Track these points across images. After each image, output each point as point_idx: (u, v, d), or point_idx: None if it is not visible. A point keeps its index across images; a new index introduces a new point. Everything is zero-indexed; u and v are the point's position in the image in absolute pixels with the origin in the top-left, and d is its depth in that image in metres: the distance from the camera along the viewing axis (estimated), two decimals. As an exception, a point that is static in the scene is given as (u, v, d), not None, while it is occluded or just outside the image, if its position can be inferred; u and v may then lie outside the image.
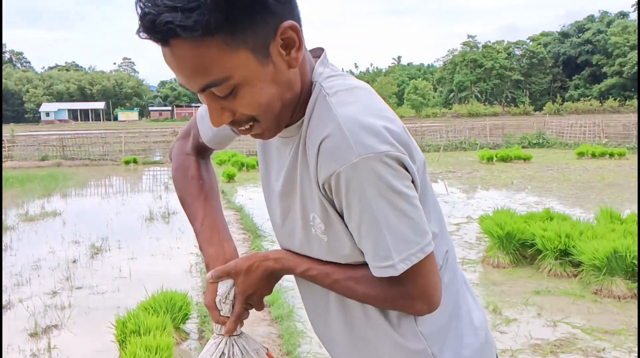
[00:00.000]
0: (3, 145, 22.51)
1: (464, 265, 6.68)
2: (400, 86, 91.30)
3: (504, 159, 19.95)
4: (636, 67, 74.19)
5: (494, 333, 4.64)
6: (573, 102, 72.46)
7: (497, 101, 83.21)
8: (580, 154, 20.88)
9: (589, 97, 73.32)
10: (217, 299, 1.13)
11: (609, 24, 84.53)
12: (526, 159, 19.93)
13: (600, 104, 67.85)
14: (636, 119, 26.74)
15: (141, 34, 0.87)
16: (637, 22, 75.79)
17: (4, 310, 5.41)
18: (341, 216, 1.03)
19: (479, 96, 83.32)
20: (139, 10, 0.86)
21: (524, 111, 68.76)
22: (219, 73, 0.90)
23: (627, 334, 4.49)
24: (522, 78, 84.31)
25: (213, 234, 1.18)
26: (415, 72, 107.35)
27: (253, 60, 0.91)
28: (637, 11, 66.99)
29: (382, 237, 0.98)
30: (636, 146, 23.39)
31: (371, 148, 0.93)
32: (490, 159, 19.97)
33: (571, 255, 5.96)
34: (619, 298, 5.32)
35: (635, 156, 21.08)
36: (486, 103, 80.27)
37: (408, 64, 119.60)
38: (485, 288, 5.87)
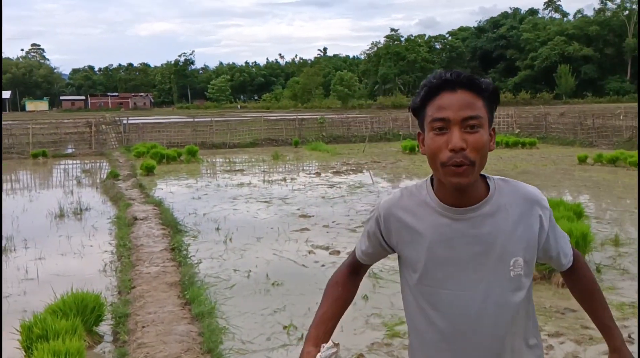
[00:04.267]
0: None
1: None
2: (327, 77, 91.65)
3: (426, 150, 20.39)
4: (546, 62, 78.19)
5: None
6: (490, 94, 75.55)
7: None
8: (496, 144, 21.63)
9: (504, 90, 76.38)
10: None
11: (521, 21, 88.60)
12: (447, 149, 20.47)
13: (514, 96, 70.95)
14: (546, 110, 28.13)
15: (436, 81, 1.40)
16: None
17: None
18: None
19: (403, 88, 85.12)
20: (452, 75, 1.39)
21: (444, 102, 70.93)
22: (479, 112, 1.38)
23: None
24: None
25: (322, 325, 1.59)
26: (341, 64, 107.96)
27: (488, 124, 1.40)
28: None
29: None
30: (545, 135, 24.64)
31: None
32: (412, 149, 20.35)
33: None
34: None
35: (545, 146, 22.22)
36: (409, 95, 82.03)
37: (334, 56, 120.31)
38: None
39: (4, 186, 14.45)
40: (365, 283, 5.57)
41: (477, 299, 1.43)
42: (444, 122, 1.36)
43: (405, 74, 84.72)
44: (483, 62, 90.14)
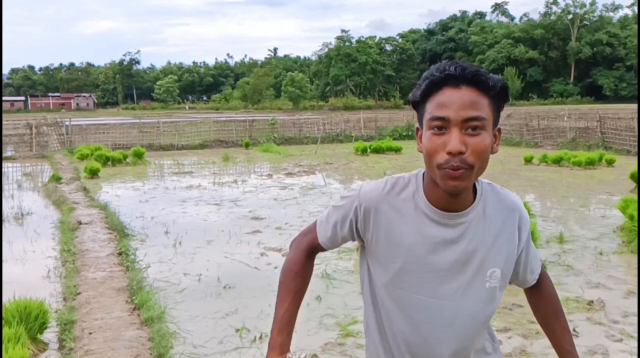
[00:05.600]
0: None
1: (340, 254, 6.72)
2: (277, 77, 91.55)
3: (377, 151, 20.66)
4: (493, 65, 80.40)
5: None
6: (439, 96, 76.96)
7: (371, 95, 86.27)
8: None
9: (453, 93, 78.03)
10: None
11: (469, 24, 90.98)
12: (397, 150, 20.81)
13: (463, 98, 72.73)
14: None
15: (439, 74, 1.28)
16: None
17: None
18: None
19: (354, 89, 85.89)
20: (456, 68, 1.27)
21: (395, 104, 72.02)
22: (483, 113, 1.26)
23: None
24: (394, 73, 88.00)
25: (285, 328, 1.48)
26: (291, 65, 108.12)
27: (492, 126, 1.29)
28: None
29: None
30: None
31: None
32: (364, 150, 20.56)
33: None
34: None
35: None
36: (360, 97, 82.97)
37: (285, 56, 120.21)
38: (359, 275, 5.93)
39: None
40: (318, 284, 5.59)
41: (449, 308, 1.37)
42: (444, 121, 1.24)
43: (356, 75, 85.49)
44: (432, 64, 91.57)
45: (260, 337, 4.35)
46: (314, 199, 10.74)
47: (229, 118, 30.50)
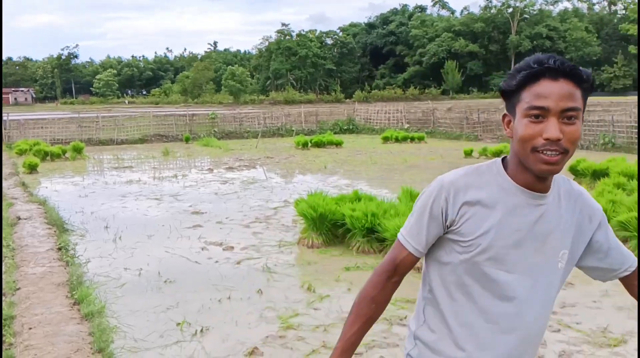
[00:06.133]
0: None
1: (281, 247, 6.89)
2: (218, 71, 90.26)
3: (318, 145, 20.86)
4: (433, 58, 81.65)
5: (309, 310, 4.88)
6: (380, 90, 77.65)
7: (312, 89, 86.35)
8: (386, 139, 22.57)
9: (394, 86, 79.15)
10: None
11: (410, 17, 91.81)
12: (338, 144, 21.08)
13: (403, 92, 73.72)
14: (433, 105, 29.68)
15: (538, 67, 1.35)
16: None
17: None
18: None
19: (295, 83, 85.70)
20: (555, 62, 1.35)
21: (336, 98, 72.43)
22: (578, 104, 1.36)
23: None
24: (334, 67, 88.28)
25: (349, 349, 1.52)
26: (232, 59, 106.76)
27: (582, 114, 1.38)
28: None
29: None
30: (433, 130, 25.98)
31: None
32: (305, 144, 20.73)
33: (377, 232, 6.45)
34: (418, 270, 5.90)
35: (433, 140, 23.44)
36: (301, 91, 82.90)
37: (225, 50, 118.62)
38: (301, 268, 6.13)
39: None
40: (259, 278, 5.74)
41: (528, 285, 1.45)
42: (543, 111, 1.34)
43: (297, 69, 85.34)
44: (373, 58, 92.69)
45: (201, 331, 4.41)
46: (254, 194, 10.85)
47: (168, 112, 30.01)
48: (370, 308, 1.52)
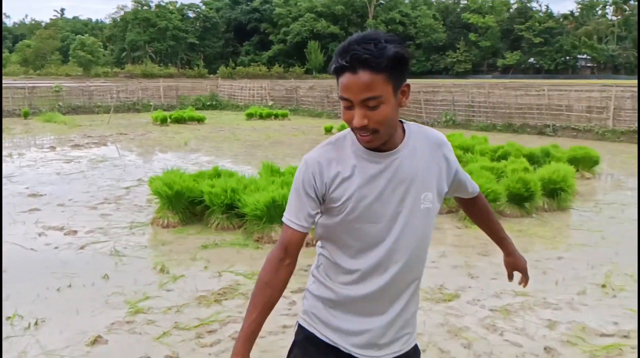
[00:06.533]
0: None
1: (132, 229, 6.36)
2: (65, 41, 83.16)
3: (178, 121, 20.05)
4: (297, 38, 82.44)
5: (161, 292, 4.51)
6: (245, 67, 76.55)
7: (173, 63, 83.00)
8: (250, 116, 22.35)
9: (259, 63, 78.63)
10: None
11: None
12: (200, 120, 20.42)
13: (268, 69, 73.52)
14: (297, 84, 29.81)
15: (340, 62, 1.47)
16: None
17: None
18: None
19: (154, 56, 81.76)
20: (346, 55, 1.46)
21: (199, 73, 70.16)
22: (377, 92, 1.46)
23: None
24: (197, 41, 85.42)
25: (250, 339, 1.58)
26: (81, 27, 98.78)
27: (392, 93, 1.48)
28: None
29: None
30: (296, 107, 26.17)
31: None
32: (164, 120, 19.82)
33: (237, 208, 6.20)
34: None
35: (296, 117, 23.61)
36: (161, 64, 79.34)
37: (73, 18, 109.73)
38: (154, 250, 5.69)
39: None
40: (106, 263, 5.21)
41: (398, 230, 1.61)
42: (349, 101, 1.48)
43: (156, 41, 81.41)
44: (238, 35, 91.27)
45: (36, 323, 3.92)
46: (104, 173, 10.01)
47: (5, 85, 27.04)
48: (266, 294, 1.59)
